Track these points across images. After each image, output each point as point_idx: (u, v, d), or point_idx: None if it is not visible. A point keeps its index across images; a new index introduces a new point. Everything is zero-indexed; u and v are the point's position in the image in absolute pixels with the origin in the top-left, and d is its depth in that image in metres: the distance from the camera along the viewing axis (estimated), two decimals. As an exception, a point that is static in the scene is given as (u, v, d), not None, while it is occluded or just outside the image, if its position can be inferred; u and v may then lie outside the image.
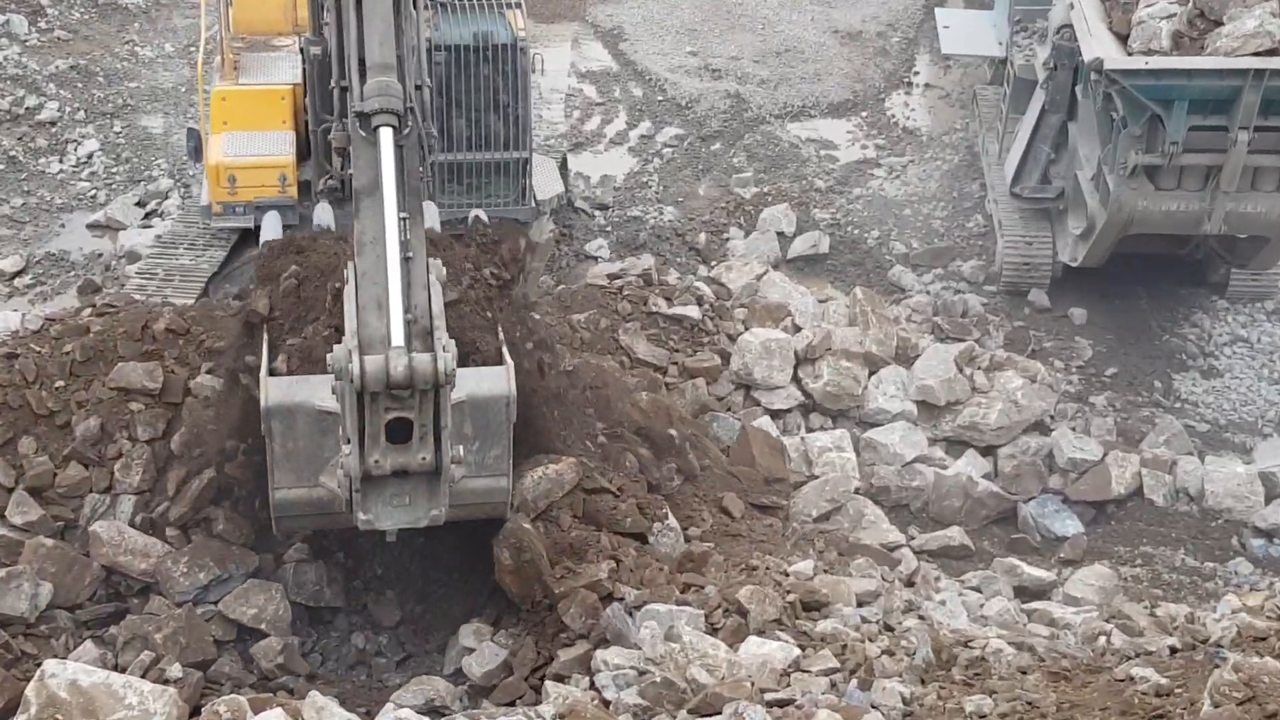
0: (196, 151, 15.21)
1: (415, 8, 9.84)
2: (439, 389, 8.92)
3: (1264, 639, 8.95)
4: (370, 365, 8.72)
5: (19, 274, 17.26)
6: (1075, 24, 15.09)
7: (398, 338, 8.86)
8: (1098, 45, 14.54)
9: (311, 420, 9.98)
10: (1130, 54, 14.49)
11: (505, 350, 10.61)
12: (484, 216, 13.26)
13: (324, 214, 13.08)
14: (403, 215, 8.96)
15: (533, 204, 16.17)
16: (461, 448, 9.36)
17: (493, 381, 10.06)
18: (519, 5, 15.52)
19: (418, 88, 9.46)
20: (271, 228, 14.07)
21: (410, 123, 9.31)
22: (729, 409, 14.69)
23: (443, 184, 15.20)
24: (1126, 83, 14.37)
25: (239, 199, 14.85)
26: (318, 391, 9.89)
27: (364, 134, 9.23)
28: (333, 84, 10.20)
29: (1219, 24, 14.30)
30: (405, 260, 8.92)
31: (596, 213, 19.00)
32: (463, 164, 15.38)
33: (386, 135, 9.13)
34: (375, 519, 9.40)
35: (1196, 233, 15.60)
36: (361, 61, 9.45)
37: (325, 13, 11.43)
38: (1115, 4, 15.13)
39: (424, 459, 9.21)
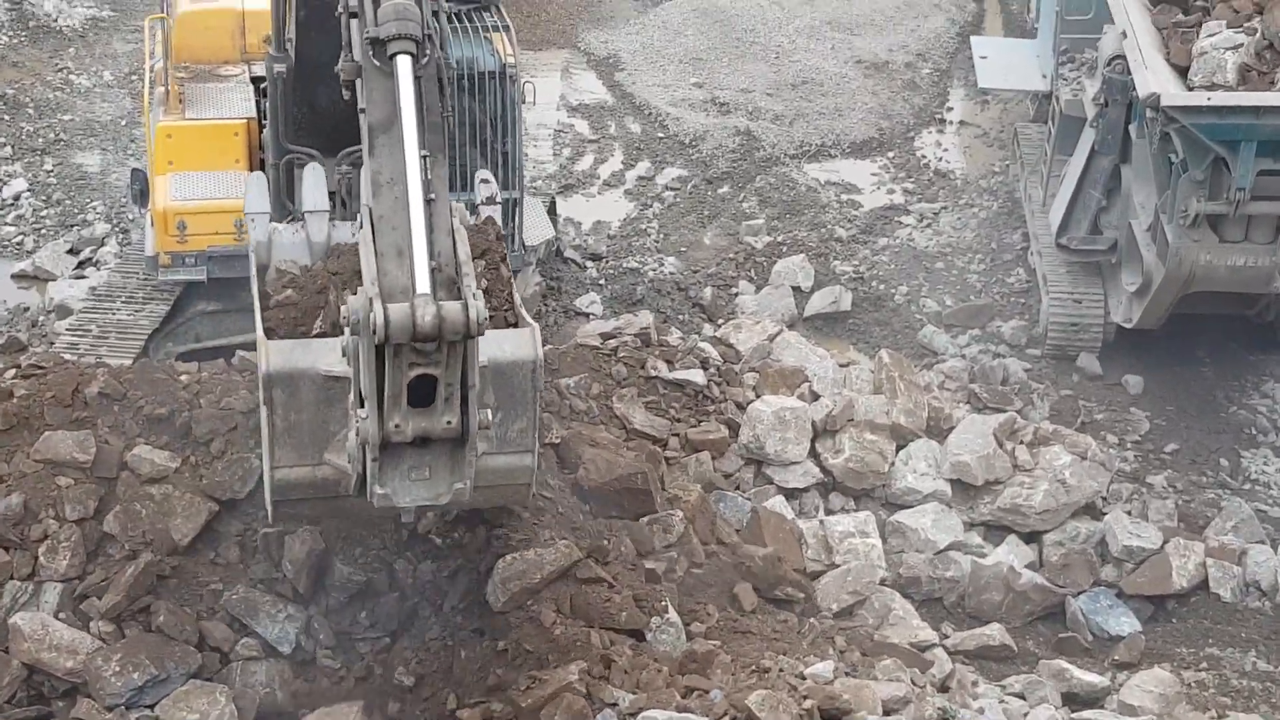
0: (142, 195, 15.21)
1: None
2: (469, 341, 8.74)
3: (1348, 755, 8.95)
4: (394, 314, 8.48)
5: (-68, 331, 17.32)
6: (1129, 55, 15.20)
7: (423, 285, 8.71)
8: (1154, 79, 14.62)
9: (317, 388, 9.62)
10: (1191, 89, 14.61)
11: (524, 311, 10.38)
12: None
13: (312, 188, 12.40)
14: (423, 153, 8.99)
15: (521, 251, 16.21)
16: (489, 412, 9.18)
17: (516, 344, 9.70)
18: (507, 28, 15.62)
19: (434, 12, 9.44)
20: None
21: (429, 50, 9.31)
22: (737, 487, 14.65)
23: None
24: (1187, 121, 14.41)
25: (190, 248, 14.86)
26: (324, 356, 9.55)
27: (378, 63, 9.26)
28: (340, 10, 10.00)
29: (1286, 59, 14.50)
30: (428, 202, 8.89)
31: (588, 263, 19.03)
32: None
33: (405, 64, 9.15)
34: (393, 494, 9.17)
35: (1267, 291, 15.68)
36: None
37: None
38: (1174, 33, 15.22)
39: (449, 423, 9.03)
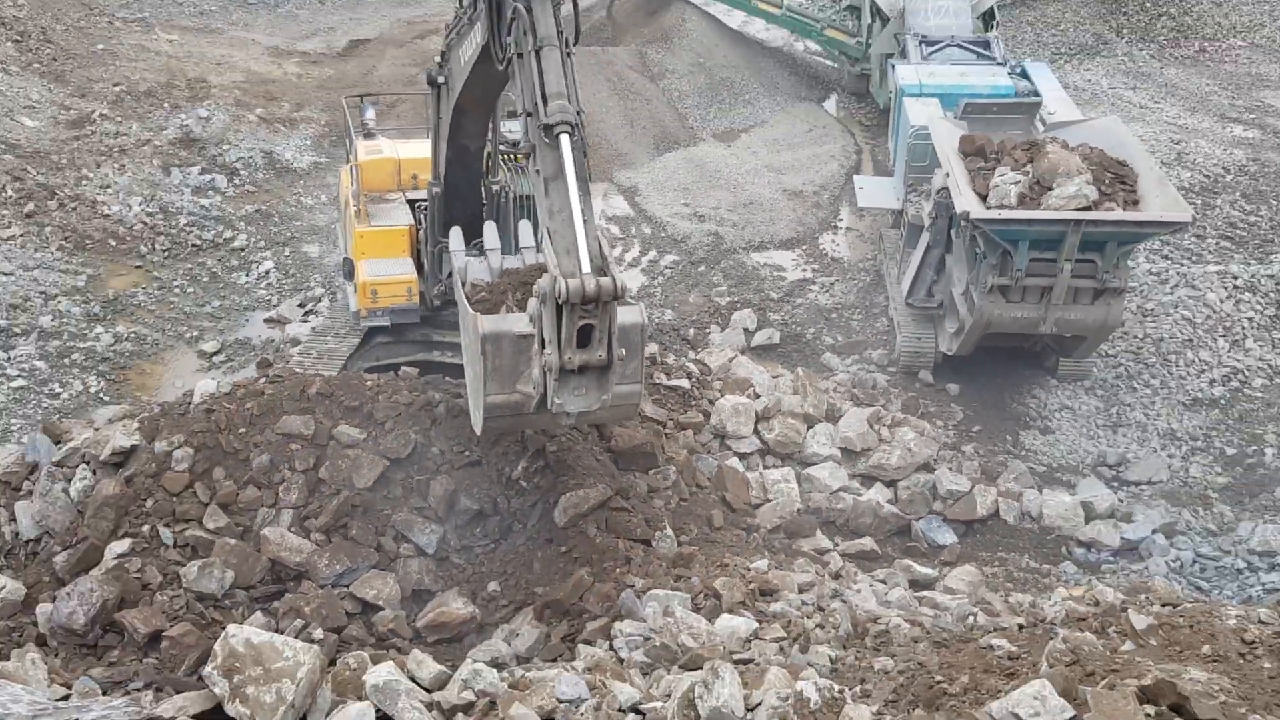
0: (350, 273, 15.26)
1: (570, 56, 9.83)
2: (613, 302, 9.05)
3: (1084, 619, 8.88)
4: (572, 285, 8.87)
5: (216, 353, 17.38)
6: (950, 187, 15.12)
7: (586, 267, 9.03)
8: (966, 201, 14.57)
9: (512, 343, 9.78)
10: (988, 208, 14.49)
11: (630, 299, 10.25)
12: None
13: (492, 237, 12.64)
14: (581, 192, 9.28)
15: None
16: (624, 349, 9.42)
17: (633, 314, 9.87)
18: None
19: (578, 111, 9.51)
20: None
21: (579, 133, 9.42)
22: (709, 452, 14.63)
23: None
24: (986, 228, 14.39)
25: (379, 306, 15.03)
26: (516, 323, 9.79)
27: (548, 141, 9.36)
28: (519, 111, 10.00)
29: (1049, 189, 14.38)
30: (585, 222, 9.20)
31: (618, 314, 19.06)
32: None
33: (566, 140, 9.33)
34: (565, 403, 9.35)
35: (1036, 333, 15.45)
36: (543, 93, 9.49)
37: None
38: (977, 174, 15.17)
39: (600, 356, 9.26)
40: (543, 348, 9.24)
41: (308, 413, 12.22)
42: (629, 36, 28.35)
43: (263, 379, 13.22)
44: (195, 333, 17.86)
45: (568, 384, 9.31)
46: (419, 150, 16.11)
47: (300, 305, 18.47)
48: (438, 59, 12.90)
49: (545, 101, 9.46)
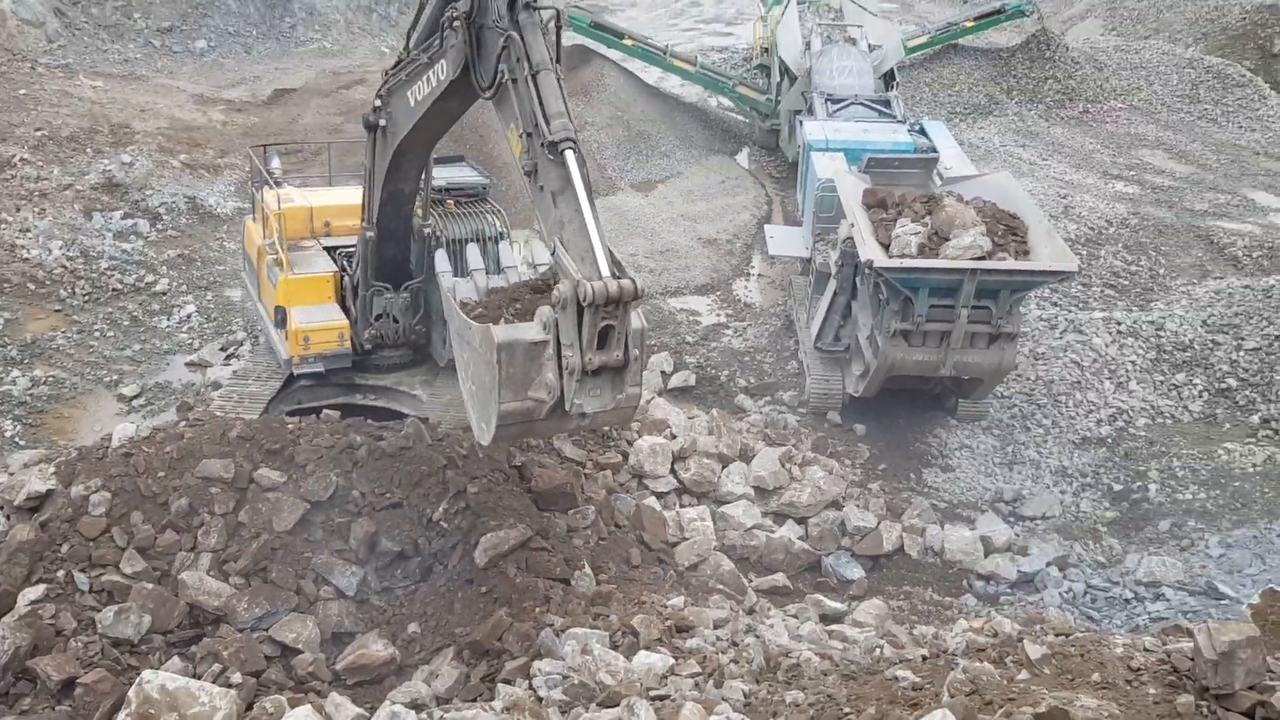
0: (283, 321, 14.82)
1: (561, 78, 9.98)
2: (634, 302, 9.17)
3: (983, 650, 9.01)
4: (597, 287, 8.90)
5: (136, 397, 16.86)
6: (855, 237, 15.36)
7: (605, 271, 9.12)
8: (870, 251, 14.81)
9: (525, 350, 9.59)
10: (890, 257, 14.73)
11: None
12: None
13: (443, 262, 12.82)
14: (591, 202, 9.47)
15: None
16: (637, 350, 9.49)
17: (635, 319, 9.68)
18: (499, 212, 15.66)
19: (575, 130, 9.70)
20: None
21: (578, 147, 9.61)
22: (627, 492, 14.57)
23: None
24: (889, 276, 14.63)
25: (311, 352, 14.72)
26: (528, 331, 9.65)
27: (552, 157, 9.52)
28: (521, 131, 10.03)
29: (947, 239, 14.73)
30: (597, 229, 9.36)
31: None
32: None
33: (571, 155, 9.48)
34: (584, 405, 9.39)
35: (935, 375, 15.70)
36: (544, 113, 9.63)
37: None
38: (880, 224, 15.46)
39: (618, 356, 9.30)
40: (558, 353, 9.31)
41: (228, 456, 11.92)
42: (550, 90, 28.46)
43: (183, 422, 12.89)
44: (115, 377, 17.32)
45: (585, 386, 9.37)
46: (328, 198, 16.09)
47: (222, 349, 18.01)
48: (377, 102, 12.86)
49: (548, 121, 9.61)
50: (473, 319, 10.44)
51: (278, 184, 16.07)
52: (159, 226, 21.35)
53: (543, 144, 9.58)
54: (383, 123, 12.74)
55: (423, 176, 13.81)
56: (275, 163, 16.56)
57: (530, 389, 9.63)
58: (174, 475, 11.75)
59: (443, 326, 15.22)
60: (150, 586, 11.00)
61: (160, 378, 17.37)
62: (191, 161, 23.65)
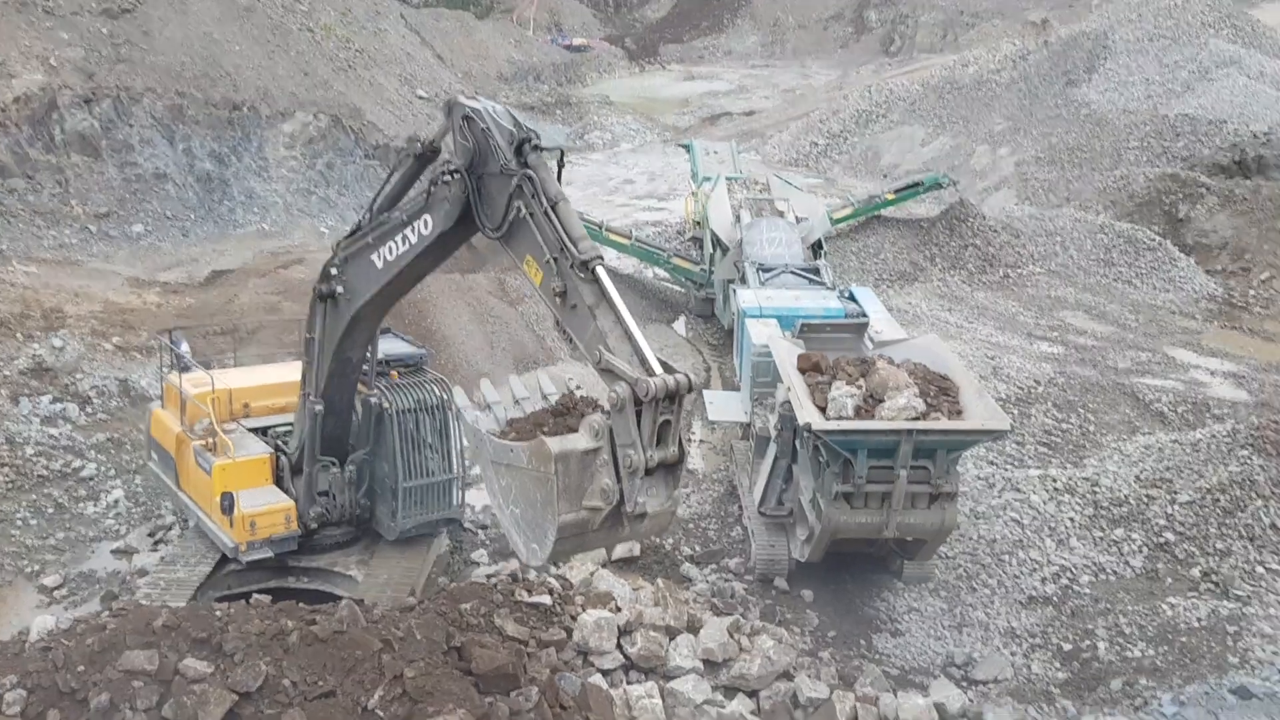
0: (230, 508, 14.47)
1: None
2: (685, 397, 9.76)
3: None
4: (655, 384, 9.49)
5: (58, 588, 16.23)
6: (793, 401, 15.51)
7: (658, 369, 9.73)
8: (808, 414, 14.94)
9: (579, 460, 9.80)
10: (828, 419, 14.85)
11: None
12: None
13: (463, 398, 13.30)
14: (626, 312, 10.22)
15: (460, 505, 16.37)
16: (687, 444, 9.95)
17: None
18: (440, 380, 15.97)
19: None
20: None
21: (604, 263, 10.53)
22: (572, 670, 14.15)
23: (409, 504, 15.33)
24: (828, 438, 14.74)
25: (258, 537, 14.43)
26: (579, 441, 9.90)
27: (584, 275, 10.31)
28: (545, 258, 10.66)
29: (881, 401, 15.01)
30: (639, 333, 10.15)
31: (479, 531, 18.66)
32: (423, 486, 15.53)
33: (602, 271, 10.35)
34: (645, 504, 9.74)
35: (879, 537, 15.65)
36: (570, 238, 10.46)
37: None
38: (816, 388, 15.69)
39: (674, 452, 9.80)
40: (614, 458, 9.65)
41: (152, 647, 11.39)
42: (488, 264, 29.09)
43: (105, 612, 12.37)
44: (36, 566, 16.67)
45: (644, 485, 9.73)
46: (244, 379, 16.14)
47: (150, 535, 17.50)
48: (333, 270, 13.13)
49: (575, 243, 10.41)
50: (510, 438, 10.85)
51: (186, 368, 16.05)
52: (88, 410, 21.03)
53: (573, 265, 10.34)
54: (339, 289, 13.01)
55: (369, 346, 14.03)
56: (184, 346, 16.61)
57: (585, 499, 9.87)
58: (94, 669, 11.18)
59: (390, 500, 15.09)
60: (63, 793, 10.32)
61: (84, 566, 16.79)
62: (124, 344, 23.53)
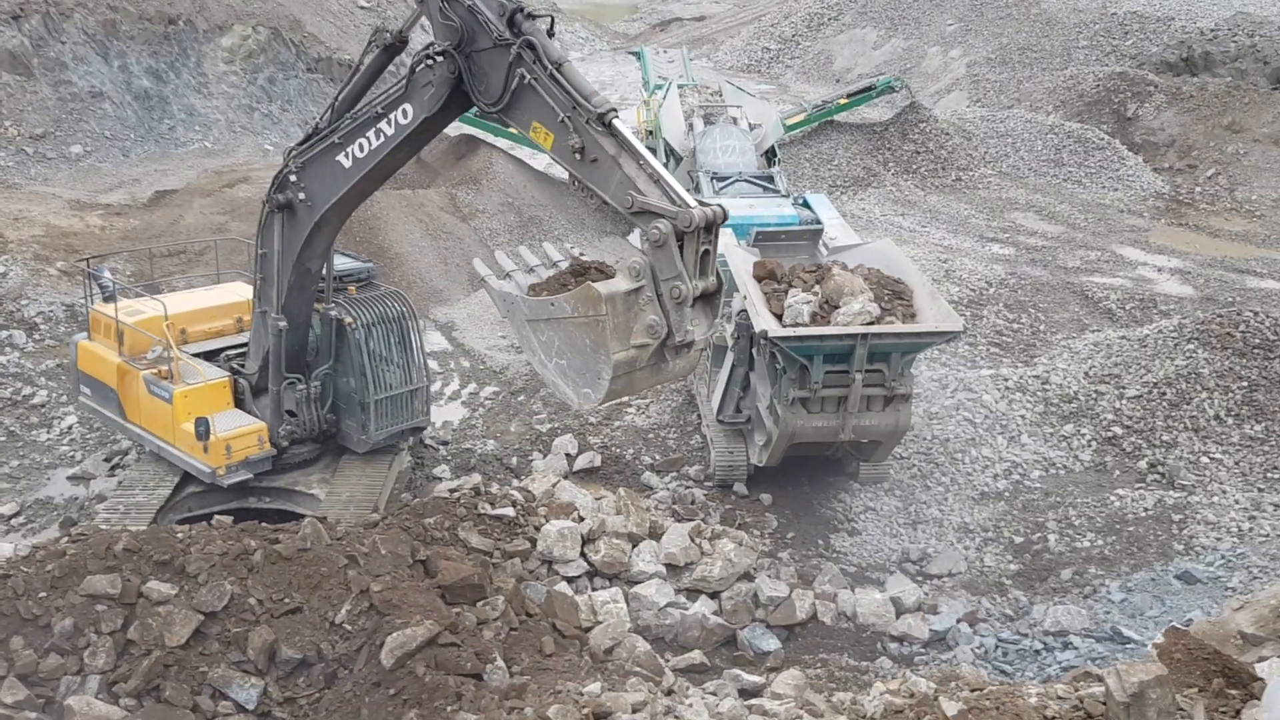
0: (206, 433, 14.15)
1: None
2: (720, 226, 10.37)
3: (901, 711, 9.01)
4: (695, 214, 10.07)
5: (14, 516, 16.00)
6: (749, 309, 15.56)
7: (692, 201, 10.20)
8: (764, 321, 15.00)
9: (624, 301, 10.28)
10: (784, 327, 14.92)
11: None
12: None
13: (483, 267, 13.15)
14: (647, 155, 10.59)
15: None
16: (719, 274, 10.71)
17: None
18: (399, 294, 16.21)
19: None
20: None
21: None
22: (537, 579, 14.30)
23: (380, 415, 15.45)
24: (784, 345, 14.83)
25: (235, 460, 14.23)
26: (620, 283, 10.42)
27: (601, 128, 10.58)
28: (559, 118, 10.87)
29: (837, 307, 15.04)
30: (666, 172, 10.59)
31: (440, 447, 18.67)
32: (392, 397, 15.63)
33: (618, 121, 10.62)
34: (692, 333, 10.33)
35: (835, 440, 15.87)
36: (582, 94, 10.70)
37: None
38: (772, 295, 15.70)
39: (714, 280, 10.38)
40: (657, 294, 10.23)
41: (114, 571, 11.34)
42: (439, 180, 28.59)
43: (65, 538, 12.23)
44: (-10, 495, 16.48)
45: (691, 315, 10.31)
46: (178, 304, 15.81)
47: (106, 460, 17.26)
48: (293, 178, 12.87)
49: (587, 99, 10.67)
50: (539, 293, 11.43)
51: (110, 298, 15.62)
52: (35, 337, 20.55)
53: (588, 120, 10.57)
54: (301, 197, 12.78)
55: (327, 256, 13.87)
56: (106, 275, 16.06)
57: (632, 338, 10.41)
58: (56, 595, 11.12)
59: (358, 413, 15.05)
60: (34, 716, 10.34)
61: (41, 494, 16.56)
62: (69, 268, 22.91)
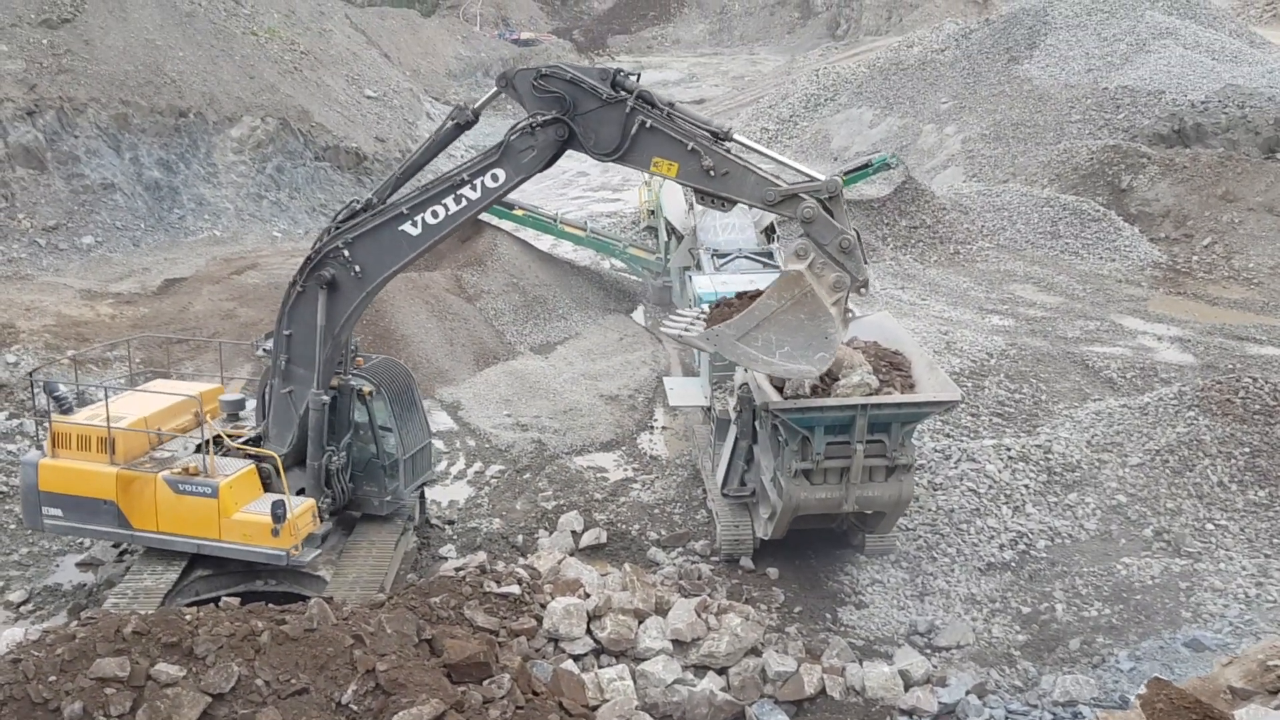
0: (282, 517, 14.28)
1: None
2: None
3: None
4: (831, 182, 12.62)
5: (23, 604, 16.12)
6: (750, 382, 15.77)
7: (821, 175, 12.99)
8: (766, 393, 15.17)
9: (809, 273, 13.03)
10: (785, 398, 15.08)
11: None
12: None
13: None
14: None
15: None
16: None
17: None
18: (391, 358, 17.31)
19: None
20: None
21: None
22: (544, 657, 14.32)
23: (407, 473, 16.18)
24: (786, 416, 15.00)
25: (303, 537, 14.53)
26: (799, 262, 12.87)
27: (727, 147, 13.02)
28: (687, 148, 13.06)
29: (837, 379, 15.26)
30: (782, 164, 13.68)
31: (446, 526, 18.79)
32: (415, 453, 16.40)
33: (737, 134, 13.26)
34: (865, 269, 12.88)
35: (840, 512, 15.93)
36: (700, 122, 13.30)
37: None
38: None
39: (852, 230, 12.73)
40: (827, 257, 12.57)
41: (123, 654, 11.42)
42: (445, 262, 29.11)
43: (74, 623, 12.34)
44: (1, 583, 16.56)
45: (858, 259, 12.76)
46: (147, 406, 15.60)
47: (115, 545, 17.40)
48: (345, 252, 13.68)
49: (708, 125, 12.98)
50: (714, 319, 13.75)
51: (69, 410, 15.57)
52: (45, 426, 20.74)
53: (713, 142, 12.72)
54: (357, 270, 13.17)
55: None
56: (61, 389, 15.82)
57: (829, 300, 12.70)
58: (66, 679, 11.18)
59: (380, 477, 15.80)
60: (40, 803, 10.34)
61: (49, 580, 16.69)
62: (80, 357, 23.29)
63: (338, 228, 14.08)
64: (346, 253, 13.79)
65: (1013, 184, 36.79)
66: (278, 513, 14.15)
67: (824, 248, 12.69)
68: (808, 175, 12.98)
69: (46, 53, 32.78)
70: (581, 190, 43.31)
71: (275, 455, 14.77)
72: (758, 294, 13.57)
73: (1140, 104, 38.77)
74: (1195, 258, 32.45)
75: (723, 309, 14.08)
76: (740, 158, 13.04)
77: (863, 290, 13.04)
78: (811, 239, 12.83)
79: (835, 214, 12.57)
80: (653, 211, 30.42)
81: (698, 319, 14.71)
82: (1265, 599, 15.81)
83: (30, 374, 16.45)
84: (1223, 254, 32.26)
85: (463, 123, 14.03)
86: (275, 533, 14.18)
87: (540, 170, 13.75)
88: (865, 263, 12.89)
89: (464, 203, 13.60)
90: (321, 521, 15.15)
